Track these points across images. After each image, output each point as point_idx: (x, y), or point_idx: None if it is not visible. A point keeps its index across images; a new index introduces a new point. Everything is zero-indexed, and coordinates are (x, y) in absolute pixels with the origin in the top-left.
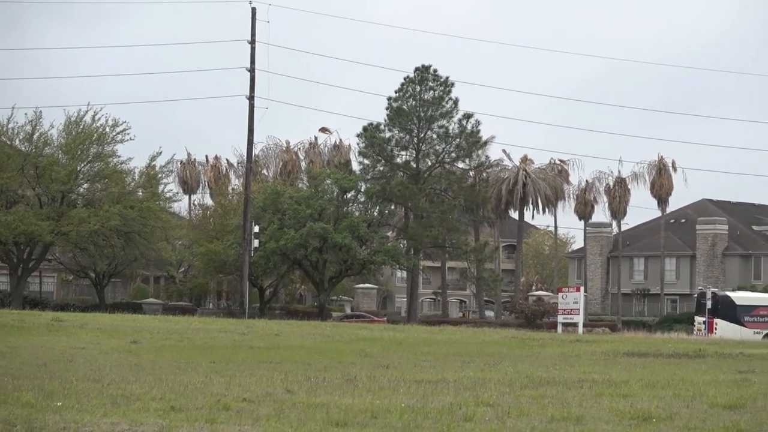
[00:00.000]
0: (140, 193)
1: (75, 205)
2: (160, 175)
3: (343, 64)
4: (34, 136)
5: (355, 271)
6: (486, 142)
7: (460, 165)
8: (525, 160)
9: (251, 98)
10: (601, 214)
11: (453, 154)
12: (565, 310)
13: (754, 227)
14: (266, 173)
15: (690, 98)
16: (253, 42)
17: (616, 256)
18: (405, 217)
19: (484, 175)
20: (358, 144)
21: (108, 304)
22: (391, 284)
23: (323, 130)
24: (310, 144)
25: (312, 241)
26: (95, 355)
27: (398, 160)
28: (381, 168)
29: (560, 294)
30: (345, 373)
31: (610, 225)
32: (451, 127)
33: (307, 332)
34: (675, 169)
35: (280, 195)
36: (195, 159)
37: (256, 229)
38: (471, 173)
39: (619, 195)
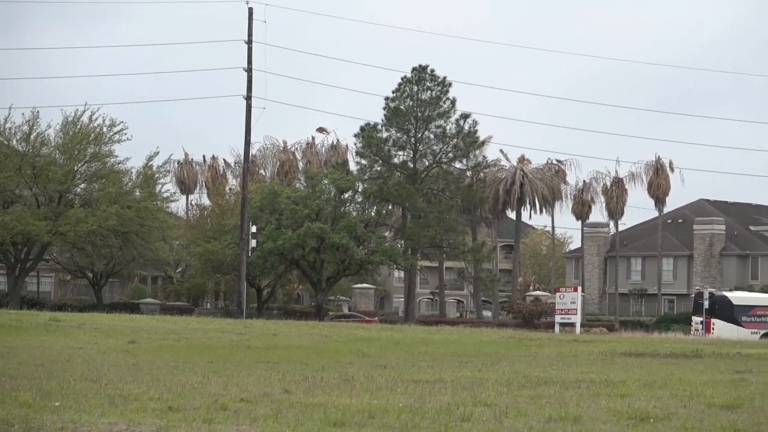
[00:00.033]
0: (137, 193)
1: (72, 205)
2: (157, 175)
3: (340, 64)
4: (32, 136)
5: (353, 271)
6: (483, 142)
7: (458, 165)
8: (522, 160)
9: (248, 98)
10: (598, 214)
11: (450, 154)
12: (562, 310)
13: (752, 227)
14: (263, 173)
15: (687, 98)
16: (250, 42)
17: (614, 256)
18: (402, 217)
19: (482, 175)
20: (355, 144)
21: (105, 304)
22: (389, 284)
23: (320, 130)
24: (308, 144)
25: (309, 241)
26: (93, 355)
27: (395, 160)
28: (378, 168)
29: (558, 294)
30: (342, 373)
31: (608, 225)
32: (448, 127)
33: (305, 332)
34: (672, 169)
35: (278, 195)
36: (192, 159)
37: (254, 229)
38: (468, 173)
39: (616, 195)
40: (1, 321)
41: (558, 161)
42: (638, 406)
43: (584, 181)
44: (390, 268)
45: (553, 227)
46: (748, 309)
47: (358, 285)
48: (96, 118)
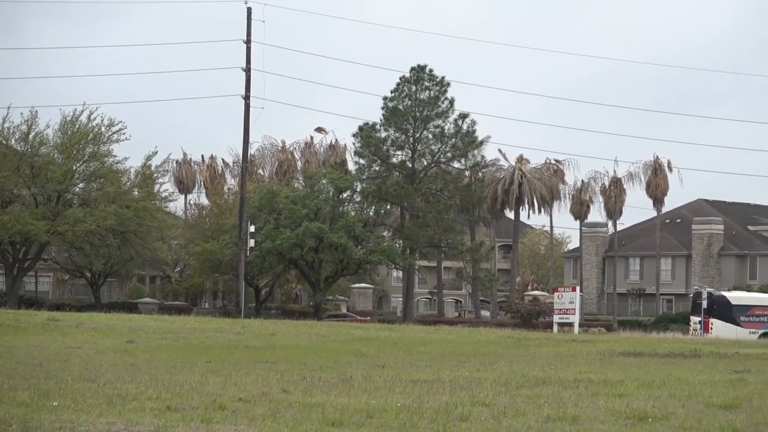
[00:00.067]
0: (136, 193)
1: (71, 205)
2: (155, 175)
3: (338, 64)
4: (30, 136)
5: (351, 271)
6: (482, 142)
7: (456, 165)
8: (521, 159)
9: (247, 98)
10: (596, 214)
11: (449, 154)
12: (560, 309)
13: (750, 227)
14: (262, 173)
15: (685, 98)
16: (248, 42)
17: (612, 256)
18: (401, 216)
19: (480, 174)
20: (353, 144)
21: (104, 304)
22: (387, 284)
23: (319, 129)
24: (306, 144)
25: (308, 241)
26: (91, 354)
27: (394, 159)
28: (377, 168)
29: (556, 294)
30: (341, 372)
31: (606, 225)
32: (446, 127)
33: (303, 332)
34: (671, 169)
35: (276, 195)
36: (191, 158)
37: (252, 228)
38: (467, 173)
39: (614, 195)
40: (0, 320)
41: (556, 161)
42: (636, 406)
43: (583, 180)
44: (388, 268)
45: (551, 227)
46: (746, 309)
47: (357, 285)
48: (94, 118)
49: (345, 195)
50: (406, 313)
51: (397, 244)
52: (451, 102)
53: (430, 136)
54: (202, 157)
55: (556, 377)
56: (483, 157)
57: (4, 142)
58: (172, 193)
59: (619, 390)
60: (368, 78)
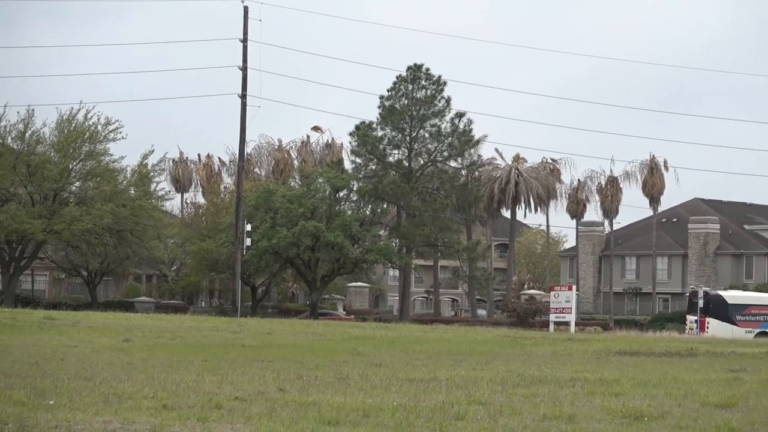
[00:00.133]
0: (132, 192)
1: (67, 204)
2: (152, 174)
3: (335, 62)
4: (27, 135)
5: (348, 270)
6: (478, 141)
7: (453, 164)
8: (517, 158)
9: (243, 97)
10: (593, 213)
11: (445, 153)
12: (557, 308)
13: (746, 226)
14: (258, 172)
15: (682, 98)
16: (245, 40)
17: (608, 255)
18: (397, 215)
19: (477, 173)
20: (350, 143)
21: (100, 303)
22: (384, 283)
23: (315, 128)
24: (303, 143)
25: (304, 240)
26: (87, 353)
27: (390, 158)
28: (373, 167)
29: (552, 293)
30: (337, 371)
31: (602, 224)
32: (443, 126)
33: (299, 331)
34: (667, 169)
35: (273, 193)
36: (187, 157)
37: (249, 227)
38: (463, 172)
39: (611, 194)
40: None
41: (553, 160)
42: (633, 405)
43: (579, 180)
44: (385, 267)
45: (548, 226)
46: (742, 308)
47: (353, 283)
48: (91, 117)
49: (341, 194)
50: (403, 312)
51: (393, 243)
52: (448, 101)
53: (427, 135)
54: (199, 155)
55: (553, 376)
56: (479, 156)
57: (0, 140)
58: (169, 191)
59: (615, 389)
60: (365, 77)
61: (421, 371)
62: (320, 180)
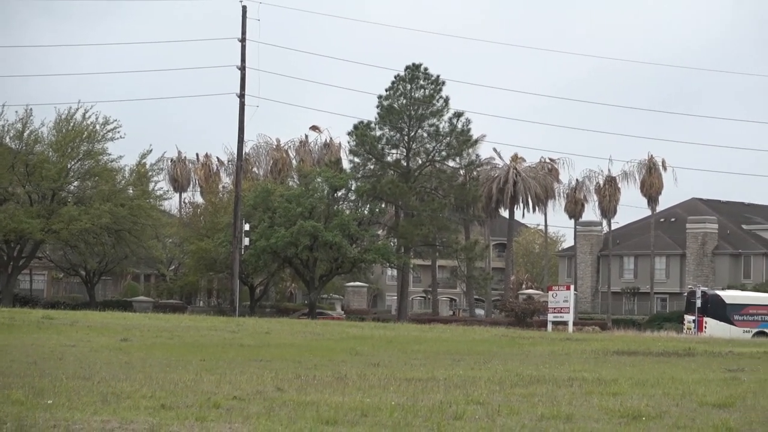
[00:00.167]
0: (131, 191)
1: (65, 203)
2: (150, 173)
3: (333, 62)
4: (25, 134)
5: (346, 270)
6: (476, 141)
7: (451, 163)
8: (515, 158)
9: (242, 96)
10: (591, 212)
11: (443, 153)
12: (555, 308)
13: (744, 226)
14: (257, 171)
15: (680, 98)
16: (243, 40)
17: (606, 255)
18: (395, 215)
19: (475, 173)
20: (348, 142)
21: (98, 302)
22: (382, 282)
23: (314, 128)
24: (301, 142)
25: (302, 240)
26: (85, 352)
27: (389, 158)
28: (371, 166)
29: (550, 292)
30: (335, 371)
31: (600, 224)
32: (441, 126)
33: (298, 330)
34: (665, 168)
35: (271, 193)
36: (186, 157)
37: (247, 227)
38: (461, 172)
39: (609, 194)
40: None
41: (551, 160)
42: (630, 405)
43: (577, 179)
44: (383, 267)
45: (546, 226)
46: (740, 308)
47: (351, 283)
48: (89, 116)
49: (340, 193)
50: (401, 312)
51: (391, 243)
52: (446, 100)
53: (425, 134)
54: (197, 155)
55: (551, 376)
56: (478, 155)
57: None
58: (167, 191)
59: (613, 388)
60: (363, 77)
61: (419, 371)
62: (318, 179)
